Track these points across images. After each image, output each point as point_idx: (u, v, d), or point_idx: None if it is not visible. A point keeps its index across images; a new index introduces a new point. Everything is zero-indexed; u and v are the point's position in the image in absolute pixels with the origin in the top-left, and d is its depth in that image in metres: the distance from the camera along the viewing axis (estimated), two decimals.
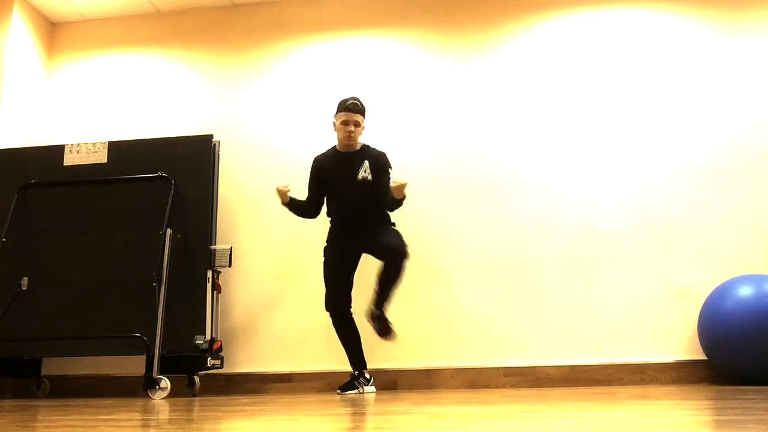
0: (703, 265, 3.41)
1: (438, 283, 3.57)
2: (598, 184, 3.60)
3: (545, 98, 3.75)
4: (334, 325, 3.21)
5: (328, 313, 3.22)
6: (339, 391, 3.16)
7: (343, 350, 3.28)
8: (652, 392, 2.60)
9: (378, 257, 3.13)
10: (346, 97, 3.25)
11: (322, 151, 3.39)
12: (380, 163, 3.23)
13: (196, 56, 4.14)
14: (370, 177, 3.19)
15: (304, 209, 3.34)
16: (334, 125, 3.25)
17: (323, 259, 3.27)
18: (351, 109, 3.19)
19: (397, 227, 3.29)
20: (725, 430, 1.31)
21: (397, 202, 3.11)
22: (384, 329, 3.04)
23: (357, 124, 3.20)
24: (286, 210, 3.34)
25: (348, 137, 3.19)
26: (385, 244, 3.06)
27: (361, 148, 3.28)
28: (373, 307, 3.06)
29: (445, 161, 3.74)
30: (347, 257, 3.25)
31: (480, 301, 3.52)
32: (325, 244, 3.32)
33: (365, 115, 3.29)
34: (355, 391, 3.14)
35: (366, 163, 3.21)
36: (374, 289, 3.07)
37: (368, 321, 3.08)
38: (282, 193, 3.24)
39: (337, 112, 3.22)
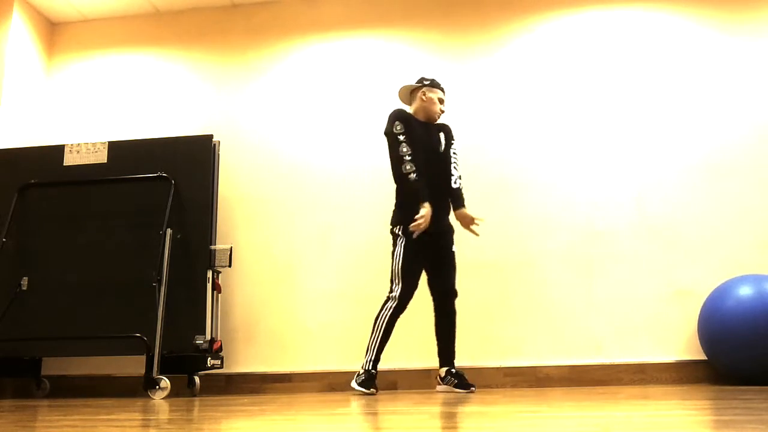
0: (703, 265, 3.41)
1: None
2: (598, 183, 3.60)
3: (546, 98, 3.75)
4: (391, 317, 2.89)
5: (396, 306, 2.88)
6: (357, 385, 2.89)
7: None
8: (652, 392, 2.60)
9: (433, 282, 3.03)
10: (430, 77, 3.31)
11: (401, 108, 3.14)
12: (448, 135, 3.19)
13: (196, 56, 4.14)
14: (442, 149, 3.14)
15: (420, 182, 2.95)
16: (424, 95, 3.15)
17: (403, 242, 2.94)
18: (442, 89, 3.21)
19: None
20: (725, 430, 1.31)
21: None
22: (463, 384, 2.95)
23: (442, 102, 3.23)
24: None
25: (440, 113, 3.18)
26: (448, 281, 3.01)
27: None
28: (447, 368, 2.98)
29: None
30: (429, 241, 2.98)
31: (480, 301, 3.52)
32: (399, 227, 2.99)
33: None
34: (370, 390, 2.87)
35: (441, 135, 3.17)
36: (439, 346, 3.01)
37: (439, 383, 3.01)
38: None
39: (432, 87, 3.17)
